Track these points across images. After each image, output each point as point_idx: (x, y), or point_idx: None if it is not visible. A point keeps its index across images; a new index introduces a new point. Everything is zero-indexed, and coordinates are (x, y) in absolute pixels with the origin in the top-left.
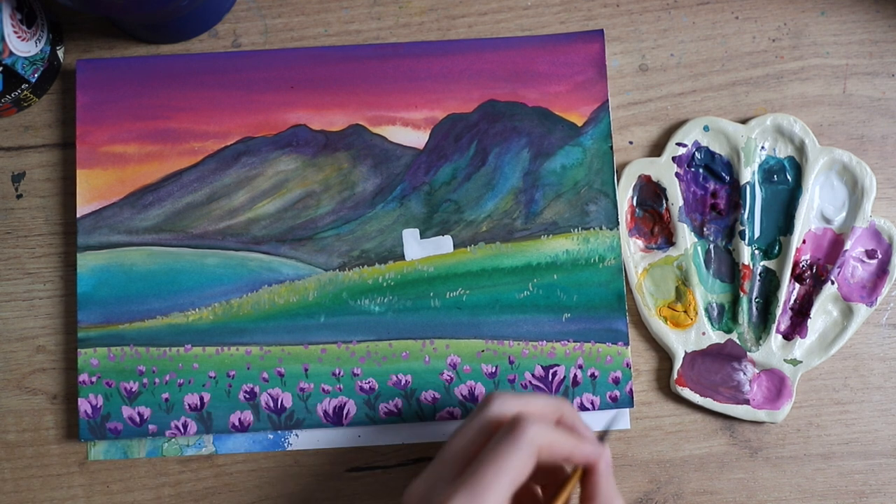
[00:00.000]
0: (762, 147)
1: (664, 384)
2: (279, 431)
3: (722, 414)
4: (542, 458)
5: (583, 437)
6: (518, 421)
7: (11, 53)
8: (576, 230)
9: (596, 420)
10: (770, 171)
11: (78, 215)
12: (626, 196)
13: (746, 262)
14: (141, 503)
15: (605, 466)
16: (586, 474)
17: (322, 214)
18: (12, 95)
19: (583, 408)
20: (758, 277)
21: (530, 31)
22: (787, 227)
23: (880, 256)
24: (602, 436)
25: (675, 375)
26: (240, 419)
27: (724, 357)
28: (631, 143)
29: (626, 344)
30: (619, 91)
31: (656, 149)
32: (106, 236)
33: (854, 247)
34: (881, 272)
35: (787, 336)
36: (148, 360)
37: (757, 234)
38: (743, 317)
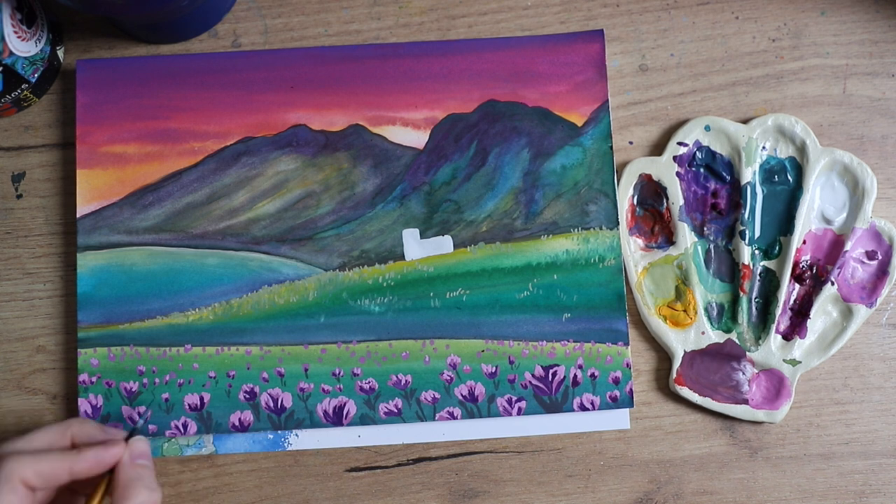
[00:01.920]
0: (763, 147)
1: (664, 384)
2: (279, 431)
3: (721, 414)
4: (41, 486)
5: (95, 446)
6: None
7: (11, 53)
8: (576, 230)
9: (596, 420)
10: (771, 172)
11: (78, 215)
12: (626, 195)
13: (746, 262)
14: None
15: (126, 461)
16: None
17: (322, 214)
18: (12, 95)
19: (583, 408)
20: (758, 277)
21: (530, 31)
22: (787, 227)
23: (880, 257)
24: (130, 434)
25: (674, 374)
26: (240, 419)
27: (724, 357)
28: (631, 143)
29: (626, 344)
30: (619, 91)
31: (656, 149)
32: (106, 236)
33: (854, 248)
34: (881, 273)
35: (787, 336)
36: (148, 360)
37: (757, 234)
38: (742, 317)
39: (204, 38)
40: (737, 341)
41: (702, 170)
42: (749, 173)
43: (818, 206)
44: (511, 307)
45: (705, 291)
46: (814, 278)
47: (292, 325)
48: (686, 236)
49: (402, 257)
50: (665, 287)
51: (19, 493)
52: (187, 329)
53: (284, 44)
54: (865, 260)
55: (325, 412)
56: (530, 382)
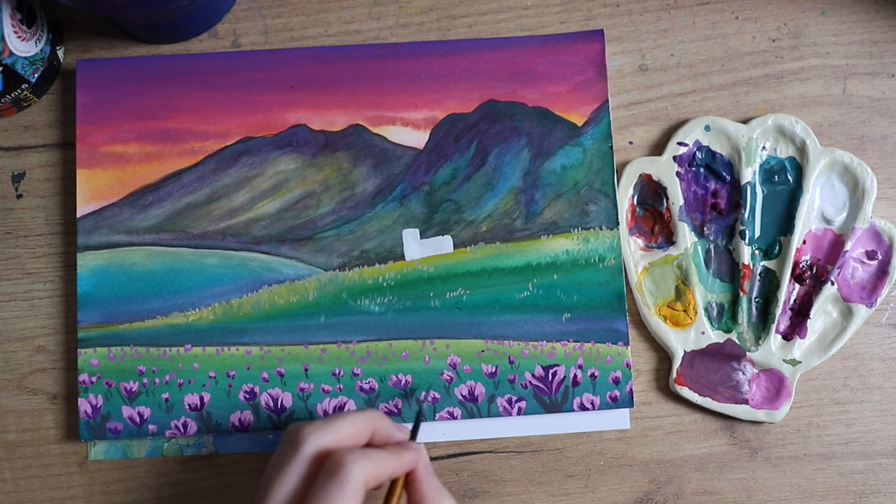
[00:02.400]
0: (763, 147)
1: (664, 384)
2: (279, 431)
3: (721, 414)
4: (370, 488)
5: (399, 445)
6: (340, 463)
7: (11, 53)
8: (576, 230)
9: (596, 420)
10: (771, 172)
11: (78, 215)
12: (626, 195)
13: (746, 262)
14: (141, 503)
15: (423, 468)
16: (409, 479)
17: (322, 214)
18: (12, 95)
19: (583, 408)
20: (758, 277)
21: (530, 31)
22: (787, 227)
23: (880, 257)
24: (413, 433)
25: (674, 374)
26: (240, 419)
27: (724, 357)
28: (631, 143)
29: (626, 344)
30: (619, 91)
31: (656, 149)
32: (106, 236)
33: (854, 248)
34: (881, 273)
35: (787, 336)
36: (148, 360)
37: (757, 234)
38: (742, 316)
39: (204, 38)
40: (737, 341)
41: (702, 170)
42: (749, 173)
43: (818, 206)
44: (511, 307)
45: (705, 291)
46: (814, 278)
47: (292, 325)
48: (686, 236)
49: (402, 257)
50: (665, 287)
51: (362, 497)
52: (187, 329)
53: (284, 44)
54: (865, 260)
55: (326, 412)
56: (530, 382)
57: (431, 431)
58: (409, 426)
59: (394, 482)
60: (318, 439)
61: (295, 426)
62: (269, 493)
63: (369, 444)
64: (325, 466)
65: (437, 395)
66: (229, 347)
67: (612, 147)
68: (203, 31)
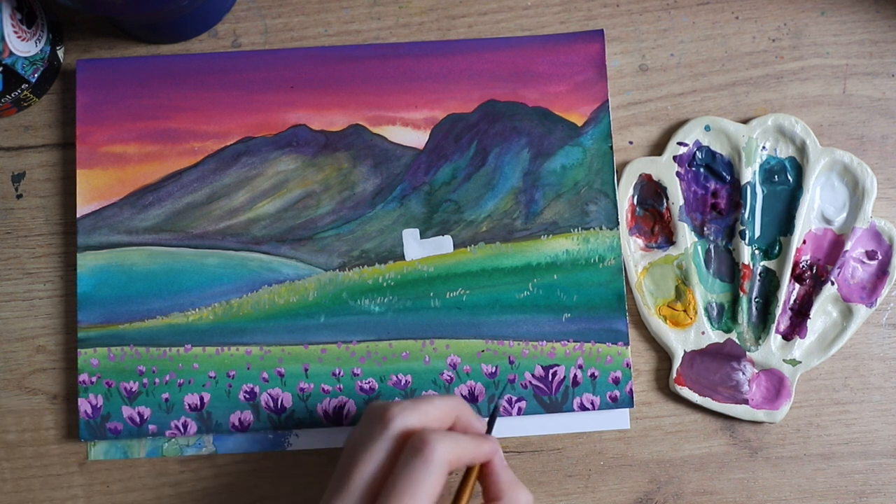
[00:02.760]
0: (763, 147)
1: (664, 384)
2: (279, 431)
3: (721, 414)
4: (450, 468)
5: (478, 435)
6: (425, 441)
7: (11, 53)
8: (576, 230)
9: (596, 420)
10: (771, 172)
11: (78, 215)
12: (626, 195)
13: (746, 262)
14: (141, 503)
15: (499, 460)
16: (484, 470)
17: (322, 214)
18: (12, 95)
19: (583, 408)
20: (758, 277)
21: (530, 31)
22: (787, 227)
23: (880, 257)
24: (490, 426)
25: (674, 374)
26: (240, 419)
27: (724, 357)
28: (631, 143)
29: (626, 344)
30: (619, 91)
31: (656, 149)
32: (106, 236)
33: (854, 248)
34: (881, 273)
35: (787, 336)
36: (148, 360)
37: (757, 234)
38: (742, 316)
39: (204, 38)
40: (737, 341)
41: (702, 170)
42: (749, 173)
43: (818, 206)
44: (511, 307)
45: (705, 291)
46: (814, 278)
47: (292, 325)
48: (686, 236)
49: (402, 257)
50: (665, 287)
51: (444, 477)
52: (187, 329)
53: (284, 44)
54: (865, 260)
55: (325, 412)
56: (530, 382)
57: None
58: (486, 419)
59: (468, 471)
60: (405, 419)
61: (380, 405)
62: (354, 469)
63: (451, 430)
64: (410, 444)
65: (505, 400)
66: (229, 347)
67: (612, 147)
68: (203, 31)
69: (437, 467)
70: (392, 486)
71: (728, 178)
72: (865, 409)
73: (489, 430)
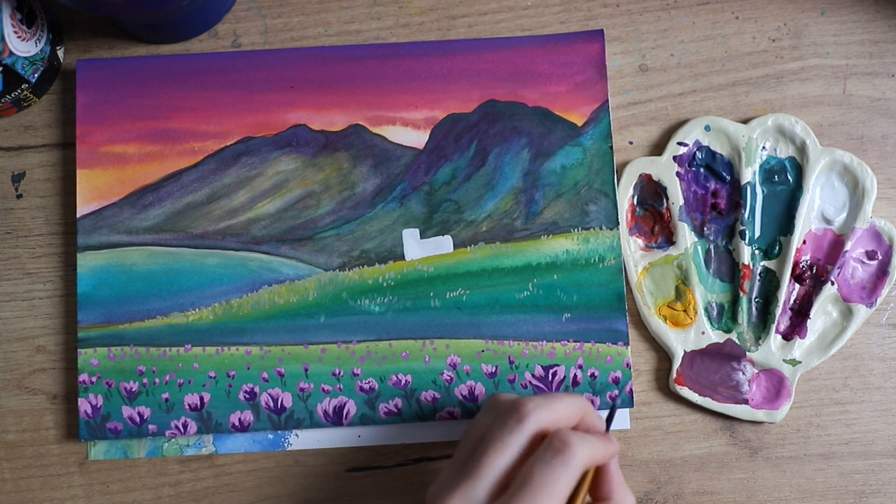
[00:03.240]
0: (763, 147)
1: (664, 384)
2: (279, 431)
3: (721, 414)
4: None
5: (604, 436)
6: (567, 443)
7: (11, 53)
8: (576, 230)
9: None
10: (771, 172)
11: (78, 215)
12: (626, 195)
13: (746, 262)
14: (141, 503)
15: (615, 460)
16: (598, 470)
17: (322, 214)
18: (12, 95)
19: None
20: (758, 277)
21: (530, 31)
22: (787, 227)
23: (880, 257)
24: (608, 425)
25: (674, 374)
26: (240, 419)
27: (724, 357)
28: (631, 143)
29: (626, 344)
30: (619, 91)
31: (656, 149)
32: (106, 236)
33: (854, 248)
34: (881, 273)
35: (787, 336)
36: (148, 360)
37: (757, 234)
38: (742, 316)
39: (204, 38)
40: (737, 341)
41: (702, 170)
42: (749, 173)
43: (818, 206)
44: (511, 307)
45: (705, 291)
46: (814, 278)
47: (292, 325)
48: (686, 236)
49: (402, 257)
50: (665, 287)
51: (578, 478)
52: (187, 329)
53: (284, 44)
54: (865, 260)
55: (325, 412)
56: (530, 382)
57: (431, 431)
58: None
59: (584, 476)
60: (540, 416)
61: (509, 398)
62: (486, 457)
63: (575, 429)
64: (550, 444)
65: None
66: (229, 347)
67: (612, 147)
68: (203, 31)
69: (576, 469)
70: (528, 483)
71: (728, 178)
72: (865, 409)
73: (607, 429)
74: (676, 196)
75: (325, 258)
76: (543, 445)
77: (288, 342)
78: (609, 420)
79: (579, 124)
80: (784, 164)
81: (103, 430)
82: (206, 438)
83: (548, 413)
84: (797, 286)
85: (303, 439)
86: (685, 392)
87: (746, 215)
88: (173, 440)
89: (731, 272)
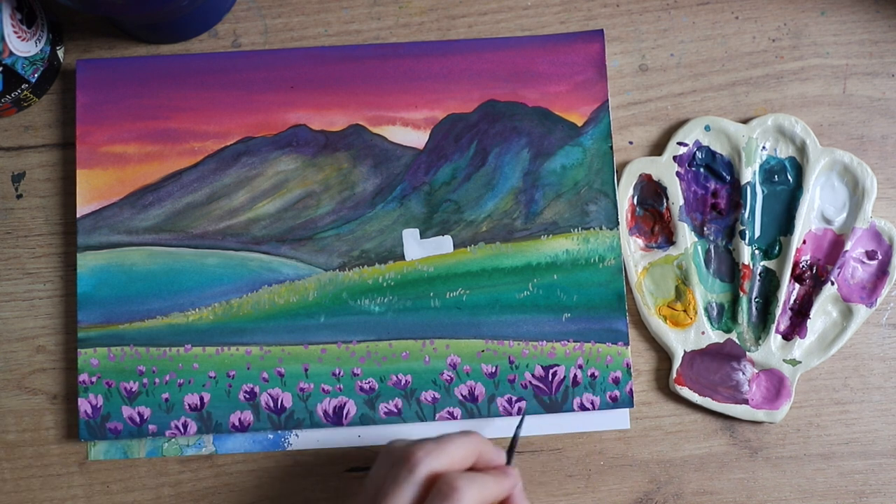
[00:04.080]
0: (763, 147)
1: (664, 384)
2: (279, 431)
3: (721, 414)
4: None
5: (502, 471)
6: (454, 487)
7: (11, 53)
8: (576, 230)
9: (596, 420)
10: (771, 172)
11: (78, 215)
12: (626, 195)
13: (746, 262)
14: (141, 503)
15: (518, 491)
16: (504, 502)
17: (322, 214)
18: (12, 95)
19: (583, 408)
20: (758, 277)
21: (530, 31)
22: (787, 227)
23: (880, 257)
24: (509, 457)
25: (674, 374)
26: (240, 419)
27: (724, 356)
28: (631, 143)
29: (626, 344)
30: (619, 91)
31: (656, 149)
32: (106, 236)
33: (854, 248)
34: (881, 273)
35: (787, 336)
36: (148, 360)
37: (757, 234)
38: (742, 316)
39: (204, 38)
40: (737, 341)
41: (702, 170)
42: (749, 173)
43: (818, 206)
44: (511, 307)
45: (705, 291)
46: (814, 278)
47: (292, 325)
48: (686, 236)
49: (402, 257)
50: (665, 287)
51: None
52: (187, 329)
53: (284, 44)
54: (865, 260)
55: (325, 412)
56: (530, 382)
57: (431, 431)
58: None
59: None
60: (431, 462)
61: (402, 446)
62: None
63: (472, 468)
64: (438, 489)
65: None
66: (229, 347)
67: (612, 147)
68: (203, 31)
69: None
70: None
71: (728, 178)
72: (865, 409)
73: (509, 461)
74: (676, 196)
75: (325, 258)
76: (433, 492)
77: (288, 342)
78: (510, 451)
79: (579, 124)
80: (784, 164)
81: (103, 430)
82: (206, 438)
83: (439, 458)
84: (797, 286)
85: (303, 439)
86: (685, 392)
87: (746, 215)
88: (173, 440)
89: (731, 272)
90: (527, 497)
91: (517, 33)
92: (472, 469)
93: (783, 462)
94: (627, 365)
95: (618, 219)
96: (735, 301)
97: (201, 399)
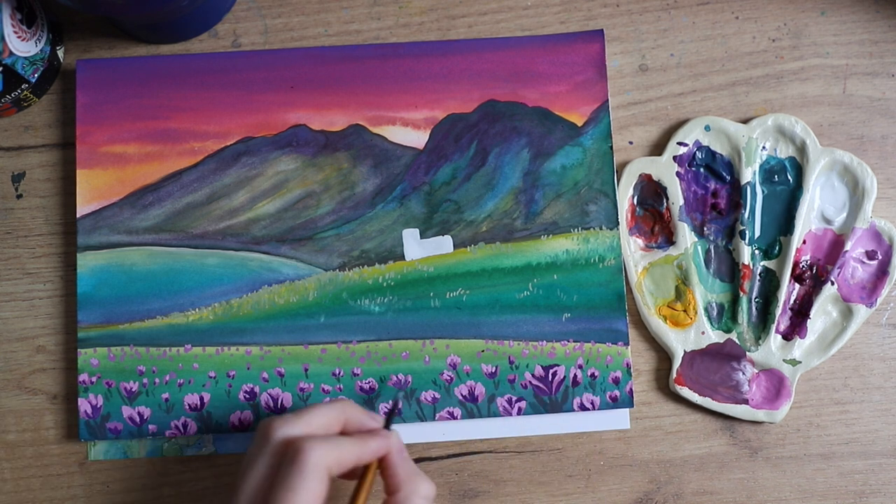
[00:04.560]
0: (763, 147)
1: (664, 384)
2: None
3: (721, 414)
4: (335, 474)
5: (368, 433)
6: (298, 449)
7: (11, 53)
8: (576, 230)
9: (596, 420)
10: (771, 172)
11: (78, 215)
12: (626, 195)
13: (746, 262)
14: (141, 503)
15: (396, 452)
16: (382, 465)
17: (322, 214)
18: (12, 95)
19: (583, 408)
20: (758, 277)
21: (530, 31)
22: (787, 227)
23: (880, 257)
24: (388, 421)
25: (674, 374)
26: (240, 419)
27: (724, 357)
28: (631, 143)
29: (626, 344)
30: (619, 91)
31: (656, 149)
32: (106, 236)
33: (854, 247)
34: (881, 273)
35: (787, 336)
36: (148, 360)
37: (757, 234)
38: (742, 316)
39: (204, 38)
40: (737, 341)
41: (702, 170)
42: (749, 173)
43: (818, 206)
44: (511, 307)
45: (705, 291)
46: (814, 278)
47: (292, 325)
48: (686, 236)
49: (402, 257)
50: (665, 287)
51: (324, 482)
52: (187, 329)
53: (284, 44)
54: (865, 260)
55: None
56: (530, 382)
57: (431, 431)
58: (383, 416)
59: (366, 469)
60: (286, 430)
61: (267, 420)
62: (239, 485)
63: (342, 434)
64: (285, 453)
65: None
66: (229, 347)
67: (612, 147)
68: (203, 31)
69: (313, 474)
70: (272, 495)
71: (728, 178)
72: (865, 409)
73: (387, 426)
74: (676, 196)
75: (325, 258)
76: (283, 458)
77: (288, 342)
78: (389, 415)
79: (579, 124)
80: (784, 164)
81: (103, 430)
82: (206, 438)
83: (297, 426)
84: (797, 286)
85: None
86: (685, 392)
87: (746, 215)
88: (173, 440)
89: (731, 272)
90: (409, 455)
91: (517, 33)
92: (343, 434)
93: (783, 462)
94: (627, 365)
95: (618, 219)
96: (735, 301)
97: (201, 399)
